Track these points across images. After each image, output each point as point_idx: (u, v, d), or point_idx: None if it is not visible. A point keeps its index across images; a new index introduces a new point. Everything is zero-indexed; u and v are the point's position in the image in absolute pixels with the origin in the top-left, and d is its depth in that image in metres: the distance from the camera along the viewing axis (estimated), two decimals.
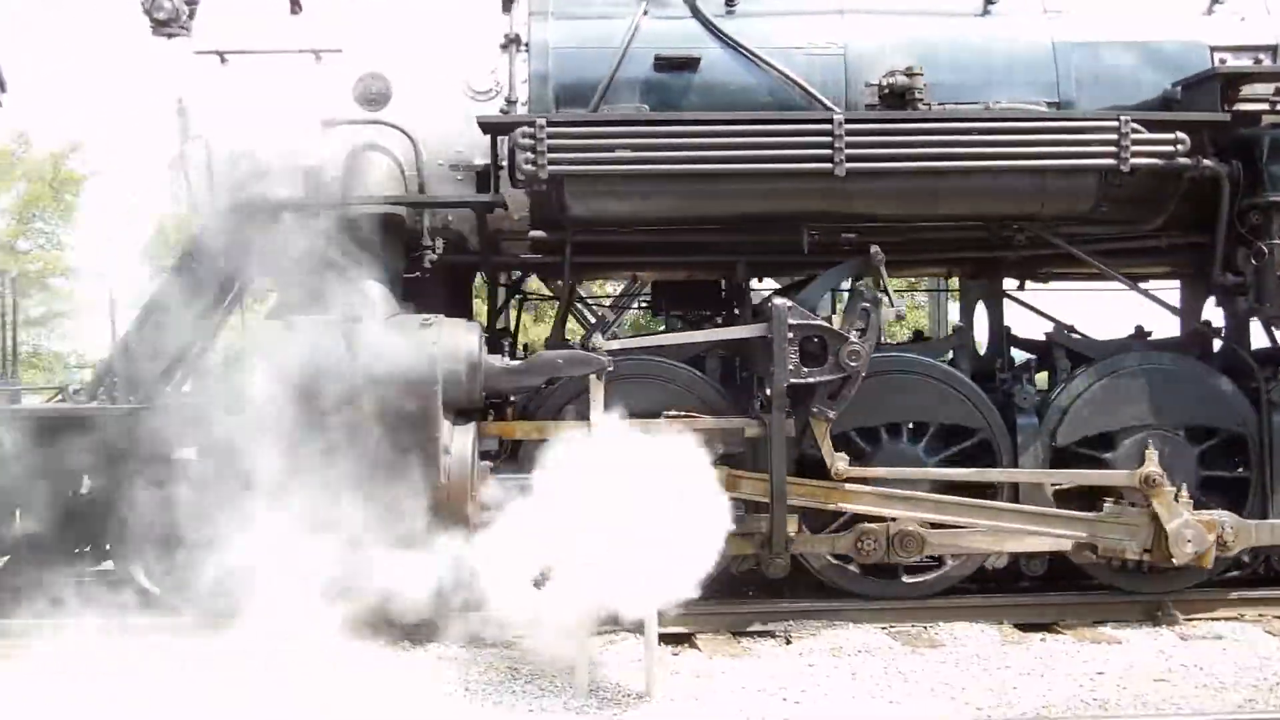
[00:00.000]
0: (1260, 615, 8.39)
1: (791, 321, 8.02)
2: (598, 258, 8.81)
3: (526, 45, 8.58)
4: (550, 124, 7.86)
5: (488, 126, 8.10)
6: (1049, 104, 8.58)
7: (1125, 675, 7.13)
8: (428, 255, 8.42)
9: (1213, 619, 8.36)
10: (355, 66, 8.57)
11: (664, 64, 8.54)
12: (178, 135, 8.58)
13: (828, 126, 7.92)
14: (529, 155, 7.82)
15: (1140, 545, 8.15)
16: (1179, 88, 8.56)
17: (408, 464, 7.67)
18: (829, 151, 7.87)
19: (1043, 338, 9.25)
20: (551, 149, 7.81)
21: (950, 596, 8.55)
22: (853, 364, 8.03)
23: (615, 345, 8.21)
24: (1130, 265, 8.98)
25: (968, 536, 8.31)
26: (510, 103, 8.49)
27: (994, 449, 8.57)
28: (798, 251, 8.45)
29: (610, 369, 7.92)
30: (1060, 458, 8.64)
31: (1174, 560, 8.01)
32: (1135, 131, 7.98)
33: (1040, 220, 8.36)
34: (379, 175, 8.42)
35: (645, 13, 8.65)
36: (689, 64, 8.55)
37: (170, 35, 8.56)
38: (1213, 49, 8.73)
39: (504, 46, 8.59)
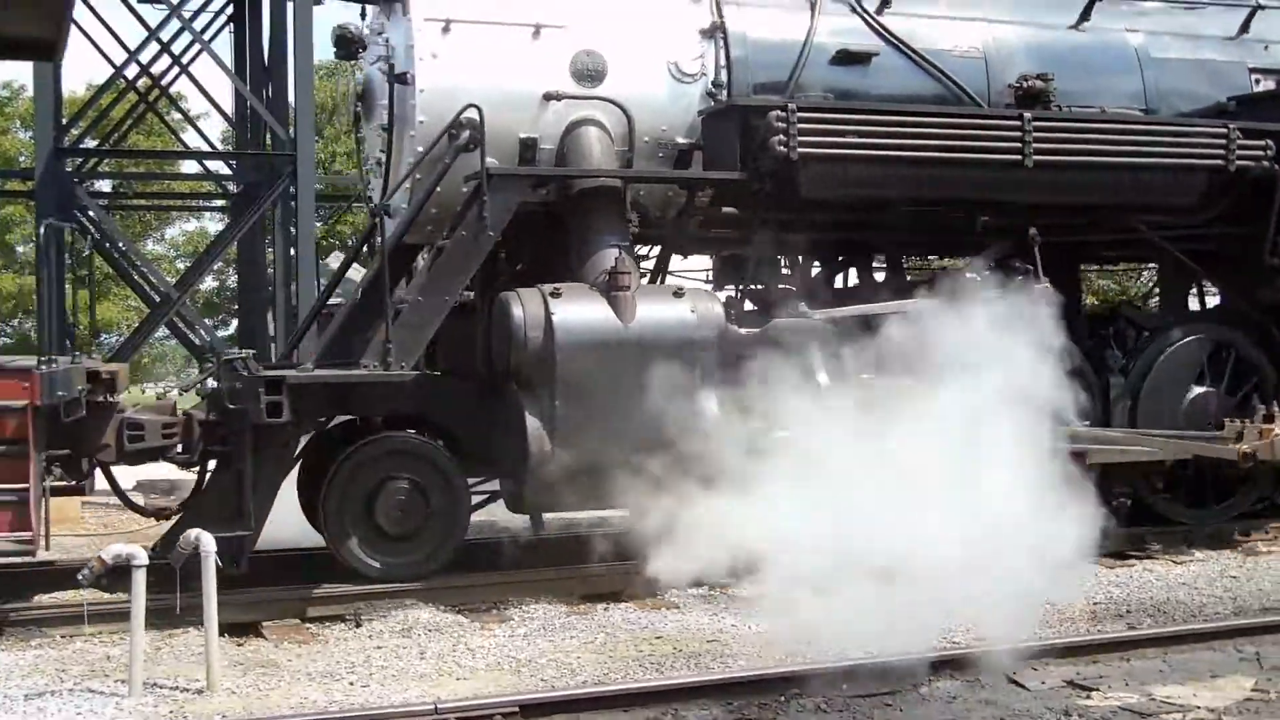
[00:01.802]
0: None
1: (984, 294, 9.06)
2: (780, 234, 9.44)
3: (725, 33, 9.14)
4: (801, 109, 8.52)
5: (739, 109, 8.62)
6: (1140, 110, 10.05)
7: (680, 638, 7.43)
8: (630, 228, 8.82)
9: None
10: (572, 42, 8.85)
11: (844, 58, 9.36)
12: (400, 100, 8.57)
13: (1018, 123, 9.01)
14: (780, 138, 8.43)
15: None
16: (1233, 101, 10.25)
17: (671, 422, 8.11)
18: (1019, 145, 8.98)
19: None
20: (801, 133, 8.47)
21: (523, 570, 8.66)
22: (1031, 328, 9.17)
23: (824, 314, 8.92)
24: (1183, 250, 10.53)
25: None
26: (717, 86, 9.06)
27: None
28: (953, 232, 9.51)
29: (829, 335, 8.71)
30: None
31: None
32: (1239, 138, 9.55)
33: (1161, 210, 9.75)
34: (598, 149, 8.74)
35: (817, 9, 9.40)
36: (865, 59, 9.40)
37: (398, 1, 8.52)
38: (1250, 69, 10.49)
39: (706, 34, 9.14)
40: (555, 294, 8.11)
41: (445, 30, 8.61)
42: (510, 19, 8.76)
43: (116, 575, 6.79)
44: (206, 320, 20.35)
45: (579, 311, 8.08)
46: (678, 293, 8.40)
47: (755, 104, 8.69)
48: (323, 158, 30.47)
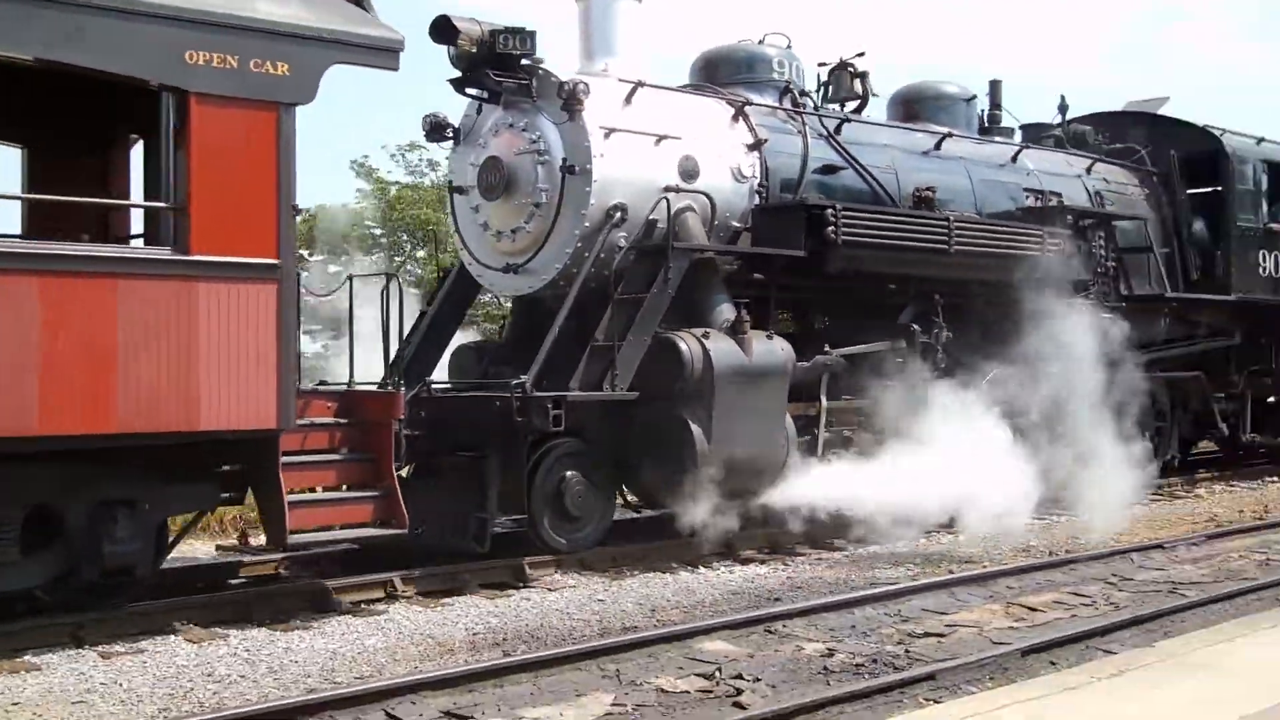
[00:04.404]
0: (184, 623, 8.52)
1: (921, 340, 13.08)
2: (778, 294, 12.85)
3: (762, 149, 12.55)
4: (844, 210, 12.10)
5: (807, 209, 12.03)
6: (975, 213, 14.49)
7: (42, 702, 6.90)
8: None
9: (138, 634, 8.32)
10: (679, 149, 11.90)
11: (824, 170, 13.07)
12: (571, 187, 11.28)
13: (945, 224, 13.10)
14: (832, 228, 11.97)
15: None
16: (1019, 210, 14.97)
17: (769, 425, 11.46)
18: (946, 237, 13.07)
19: None
20: (844, 225, 12.05)
21: None
22: (943, 365, 13.27)
23: (838, 353, 12.50)
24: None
25: None
26: (762, 187, 12.45)
27: None
28: (890, 295, 13.45)
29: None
30: None
31: None
32: (1049, 237, 14.20)
33: (998, 285, 14.13)
34: (697, 229, 11.83)
35: (802, 133, 13.06)
36: (835, 170, 13.17)
37: (574, 113, 11.15)
38: (1023, 189, 15.28)
39: (751, 147, 12.52)
40: (705, 335, 11.16)
41: (607, 136, 11.40)
42: (644, 129, 11.67)
43: None
44: None
45: (724, 348, 11.17)
46: (769, 335, 11.69)
47: (816, 203, 12.19)
48: None
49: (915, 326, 13.18)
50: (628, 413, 11.19)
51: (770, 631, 8.49)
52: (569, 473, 10.87)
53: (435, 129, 12.26)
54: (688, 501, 11.02)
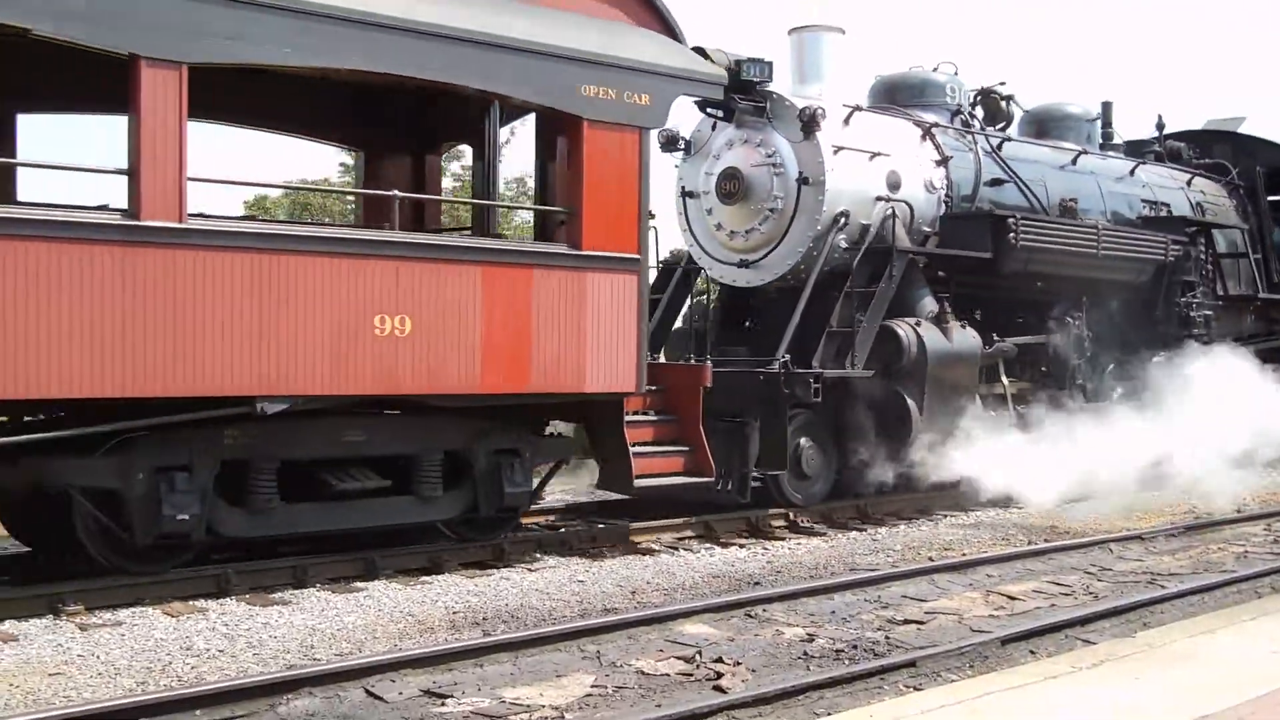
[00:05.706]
0: (160, 599, 8.48)
1: (1074, 331, 15.12)
2: (957, 290, 14.80)
3: (948, 164, 14.53)
4: (1022, 219, 14.12)
5: (994, 217, 14.02)
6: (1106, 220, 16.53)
7: (20, 672, 6.87)
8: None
9: (115, 606, 8.29)
10: (887, 164, 13.87)
11: (993, 183, 15.07)
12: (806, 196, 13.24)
13: (1095, 231, 15.13)
14: (1013, 234, 13.96)
15: None
16: (1140, 219, 17.02)
17: (966, 402, 13.45)
18: (1095, 243, 15.10)
19: None
20: (1023, 231, 14.05)
21: None
22: (1089, 353, 15.32)
23: (1013, 342, 14.52)
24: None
25: None
26: (949, 197, 14.42)
27: None
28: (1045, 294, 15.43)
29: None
30: None
31: None
32: (1172, 243, 16.27)
33: (1129, 285, 16.17)
34: (902, 233, 13.79)
35: (974, 150, 15.04)
36: (1001, 183, 15.17)
37: (810, 133, 13.09)
38: (1141, 200, 17.34)
39: (939, 163, 14.51)
40: (917, 324, 13.15)
41: (835, 153, 13.35)
42: (862, 147, 13.66)
43: None
44: None
45: (933, 335, 13.18)
46: (963, 325, 13.68)
47: (1000, 214, 14.20)
48: None
49: (1070, 319, 15.22)
50: (850, 388, 13.14)
51: (750, 615, 8.52)
52: (803, 439, 12.85)
53: (670, 141, 14.21)
54: (901, 465, 13.03)
